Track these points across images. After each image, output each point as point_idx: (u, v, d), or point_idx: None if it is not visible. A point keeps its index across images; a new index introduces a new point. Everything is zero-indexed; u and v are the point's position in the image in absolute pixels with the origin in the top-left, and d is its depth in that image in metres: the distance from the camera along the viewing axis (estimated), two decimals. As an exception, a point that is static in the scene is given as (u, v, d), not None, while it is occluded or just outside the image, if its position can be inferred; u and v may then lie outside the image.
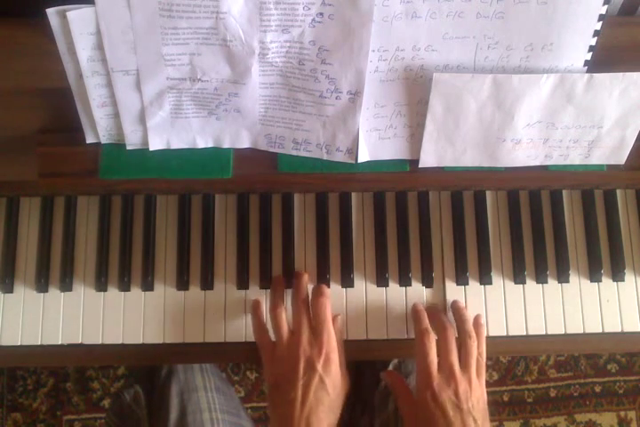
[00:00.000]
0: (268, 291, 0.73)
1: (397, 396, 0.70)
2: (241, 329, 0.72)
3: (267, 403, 0.69)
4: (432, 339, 0.66)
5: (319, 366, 0.64)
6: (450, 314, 0.73)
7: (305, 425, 0.62)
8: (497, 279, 0.74)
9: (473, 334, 0.68)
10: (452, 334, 0.67)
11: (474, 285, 0.74)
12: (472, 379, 0.65)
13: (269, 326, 0.69)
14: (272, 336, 0.69)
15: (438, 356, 0.66)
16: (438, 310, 0.72)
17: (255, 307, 0.71)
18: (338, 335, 0.68)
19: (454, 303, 0.72)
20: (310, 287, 0.72)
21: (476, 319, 0.70)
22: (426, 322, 0.68)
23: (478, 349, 0.68)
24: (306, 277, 0.72)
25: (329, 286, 0.73)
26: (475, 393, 0.64)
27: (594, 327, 0.73)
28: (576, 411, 1.44)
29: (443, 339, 0.67)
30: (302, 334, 0.66)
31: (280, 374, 0.66)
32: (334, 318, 0.70)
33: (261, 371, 1.41)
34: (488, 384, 1.39)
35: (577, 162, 0.70)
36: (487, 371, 1.43)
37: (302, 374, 0.64)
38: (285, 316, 0.68)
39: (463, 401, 0.63)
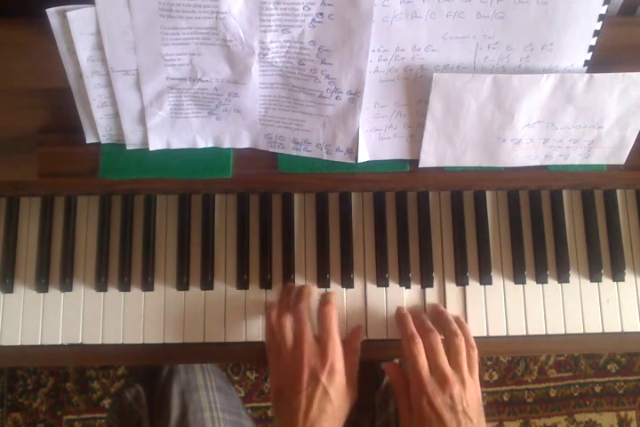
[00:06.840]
0: (269, 291, 0.73)
1: (395, 391, 0.69)
2: (241, 329, 0.72)
3: (271, 407, 0.69)
4: (419, 344, 0.66)
5: (323, 378, 0.63)
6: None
7: None
8: (497, 279, 0.74)
9: (458, 331, 0.68)
10: (438, 336, 0.67)
11: (474, 285, 0.74)
12: (465, 378, 0.65)
13: None
14: None
15: (428, 359, 0.66)
16: (420, 313, 0.72)
17: (268, 309, 0.70)
18: (355, 346, 0.69)
19: (434, 308, 0.73)
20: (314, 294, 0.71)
21: (457, 320, 0.71)
22: (411, 327, 0.69)
23: (468, 343, 0.68)
24: (309, 288, 0.71)
25: (329, 286, 0.73)
26: (468, 392, 0.64)
27: (594, 327, 0.73)
28: (576, 411, 1.44)
29: (429, 342, 0.66)
30: (305, 344, 0.65)
31: (284, 382, 0.65)
32: (356, 330, 0.71)
33: (261, 371, 1.42)
34: (488, 384, 1.42)
35: (577, 162, 0.70)
36: (487, 371, 1.43)
37: (306, 385, 0.63)
38: (291, 324, 0.68)
39: (458, 402, 0.63)
